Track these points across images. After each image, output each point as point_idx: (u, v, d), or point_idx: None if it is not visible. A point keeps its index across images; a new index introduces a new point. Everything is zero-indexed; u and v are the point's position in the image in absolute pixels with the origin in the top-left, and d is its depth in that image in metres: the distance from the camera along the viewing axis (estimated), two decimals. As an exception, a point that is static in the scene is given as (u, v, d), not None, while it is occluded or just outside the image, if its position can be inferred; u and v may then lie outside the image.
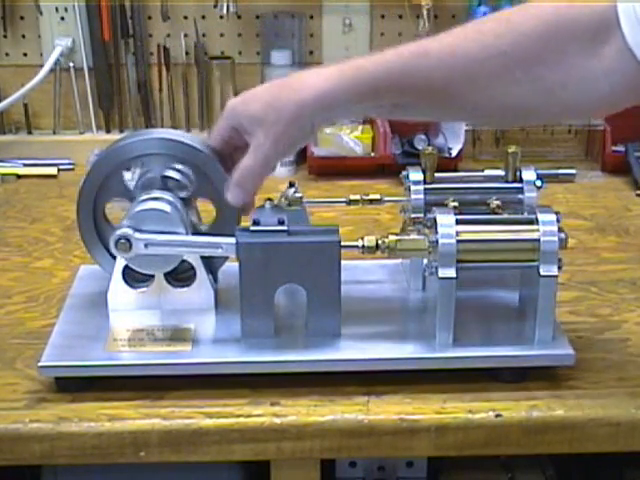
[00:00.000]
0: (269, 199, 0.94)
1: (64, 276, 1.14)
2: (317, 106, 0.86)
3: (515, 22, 0.83)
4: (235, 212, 0.95)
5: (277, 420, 0.86)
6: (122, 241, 0.90)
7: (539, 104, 0.85)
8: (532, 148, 1.58)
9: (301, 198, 0.97)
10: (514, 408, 0.87)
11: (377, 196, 1.02)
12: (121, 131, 1.60)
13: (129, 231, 0.90)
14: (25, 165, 1.53)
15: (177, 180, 0.94)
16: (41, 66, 1.56)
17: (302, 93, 0.86)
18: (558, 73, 0.82)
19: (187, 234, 0.92)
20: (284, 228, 0.89)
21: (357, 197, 1.01)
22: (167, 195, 0.94)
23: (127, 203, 0.95)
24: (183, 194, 0.95)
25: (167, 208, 0.92)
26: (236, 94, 1.55)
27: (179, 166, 0.94)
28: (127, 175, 0.99)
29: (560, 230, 0.88)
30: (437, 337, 0.90)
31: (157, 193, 0.94)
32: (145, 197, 0.93)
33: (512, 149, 0.99)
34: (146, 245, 0.91)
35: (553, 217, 0.88)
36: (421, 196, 0.98)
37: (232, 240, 0.89)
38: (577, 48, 0.81)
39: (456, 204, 0.93)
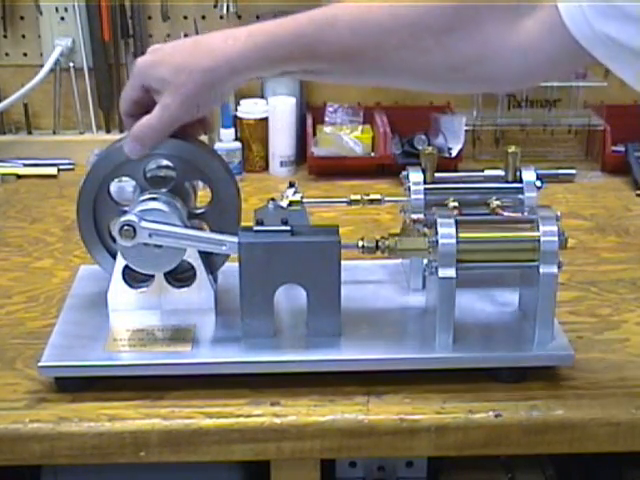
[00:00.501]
0: (272, 199, 0.94)
1: (64, 276, 1.14)
2: (226, 72, 0.86)
3: None
4: (233, 197, 0.95)
5: (277, 420, 0.86)
6: (126, 227, 0.90)
7: (450, 74, 0.84)
8: (532, 148, 1.59)
9: (301, 198, 0.97)
10: (514, 408, 0.87)
11: (377, 196, 1.02)
12: (121, 131, 1.60)
13: (134, 218, 0.90)
14: (25, 165, 1.53)
15: (167, 177, 0.95)
16: (41, 66, 1.56)
17: (212, 59, 0.86)
18: (472, 45, 0.81)
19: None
20: (287, 228, 0.89)
21: (358, 197, 1.01)
22: (164, 194, 0.94)
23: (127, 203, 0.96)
24: (173, 186, 0.95)
25: (167, 208, 0.92)
26: (236, 94, 1.57)
27: (165, 162, 0.95)
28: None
29: (560, 230, 0.88)
30: (437, 337, 0.90)
31: (154, 193, 0.94)
32: (144, 198, 0.93)
33: (512, 149, 0.99)
34: (150, 235, 0.90)
35: (553, 217, 0.88)
36: (421, 196, 0.98)
37: (235, 238, 0.89)
38: (494, 22, 0.80)
39: (456, 204, 0.93)
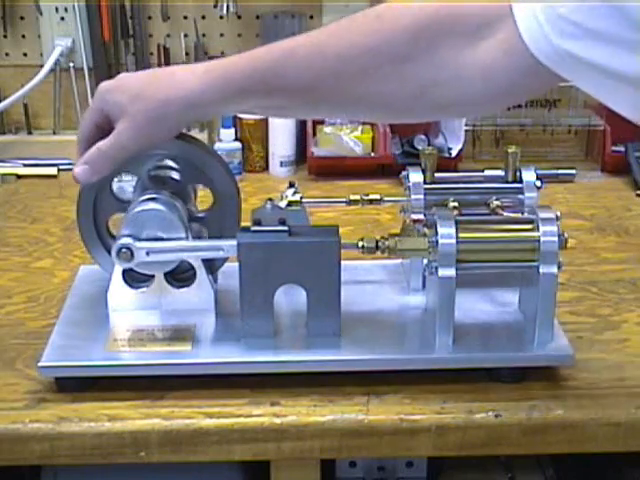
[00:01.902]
0: (270, 199, 0.94)
1: (64, 276, 1.14)
2: (181, 106, 0.85)
3: (387, 19, 0.81)
4: (233, 197, 0.95)
5: (277, 420, 0.86)
6: (124, 250, 0.90)
7: (409, 102, 0.83)
8: (532, 148, 1.59)
9: (301, 198, 0.97)
10: (514, 408, 0.87)
11: (377, 196, 1.02)
12: (121, 131, 1.60)
13: (129, 240, 0.90)
14: (25, 165, 1.53)
15: (170, 177, 0.95)
16: (41, 66, 1.56)
17: (169, 91, 0.85)
18: (429, 71, 0.80)
19: (186, 232, 0.92)
20: (285, 228, 0.89)
21: (357, 197, 1.01)
22: (164, 195, 0.94)
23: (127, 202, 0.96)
24: (175, 187, 0.95)
25: (166, 208, 0.92)
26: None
27: (167, 162, 0.95)
28: (127, 176, 0.99)
29: (560, 230, 0.88)
30: (437, 337, 0.90)
31: (154, 193, 0.94)
32: (144, 198, 0.93)
33: (512, 149, 0.99)
34: (148, 253, 0.91)
35: (553, 217, 0.88)
36: (421, 196, 0.98)
37: (233, 242, 0.89)
38: (451, 45, 0.78)
39: (456, 204, 0.93)
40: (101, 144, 0.88)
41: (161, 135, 0.88)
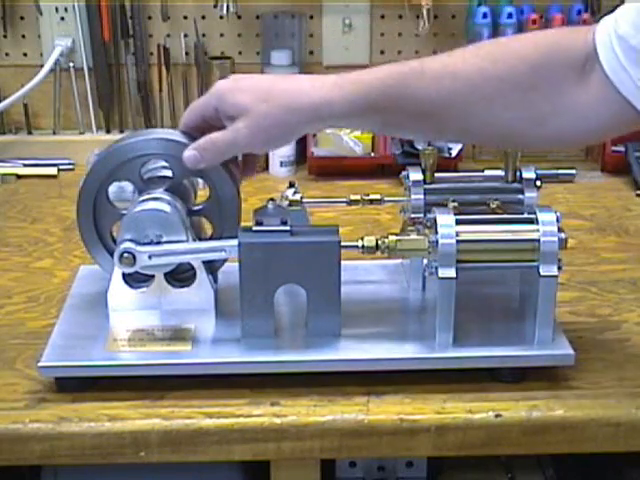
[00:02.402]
0: (272, 199, 0.94)
1: (64, 276, 1.14)
2: (307, 116, 0.86)
3: (512, 47, 0.85)
4: (234, 197, 0.95)
5: (277, 420, 0.86)
6: (126, 255, 0.90)
7: (529, 131, 0.85)
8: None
9: (301, 198, 0.97)
10: (514, 408, 0.87)
11: (377, 196, 1.02)
12: (121, 131, 1.61)
13: (131, 245, 0.90)
14: (25, 165, 1.53)
15: (164, 177, 0.95)
16: (41, 66, 1.56)
17: (296, 100, 0.86)
18: (551, 101, 0.83)
19: (186, 231, 0.92)
20: (286, 228, 0.89)
21: (357, 197, 1.01)
22: (165, 195, 0.94)
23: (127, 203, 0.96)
24: (171, 185, 0.96)
25: (167, 208, 0.92)
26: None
27: (161, 162, 0.95)
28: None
29: (560, 230, 0.88)
30: (437, 337, 0.90)
31: (151, 194, 0.94)
32: (142, 198, 0.93)
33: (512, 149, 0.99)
34: (150, 257, 0.91)
35: (553, 217, 0.88)
36: (421, 196, 0.98)
37: (234, 242, 0.89)
38: (569, 77, 0.82)
39: (456, 204, 0.93)
40: (215, 137, 0.89)
41: (278, 141, 0.89)
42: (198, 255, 0.93)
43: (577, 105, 0.82)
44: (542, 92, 0.83)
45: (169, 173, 0.95)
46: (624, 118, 0.81)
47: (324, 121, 0.87)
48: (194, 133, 0.92)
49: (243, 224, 0.94)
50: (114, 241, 0.96)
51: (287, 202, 0.97)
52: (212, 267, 0.97)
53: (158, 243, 0.92)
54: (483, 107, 0.84)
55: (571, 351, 0.90)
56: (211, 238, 0.98)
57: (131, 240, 0.91)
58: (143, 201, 0.93)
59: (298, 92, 0.86)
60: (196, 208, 0.98)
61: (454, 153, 1.48)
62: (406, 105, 0.85)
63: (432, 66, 0.85)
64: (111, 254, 0.97)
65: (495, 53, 0.85)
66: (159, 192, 0.94)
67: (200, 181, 0.99)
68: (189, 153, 0.90)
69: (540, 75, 0.82)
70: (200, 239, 0.97)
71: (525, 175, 0.99)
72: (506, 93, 0.83)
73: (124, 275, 0.95)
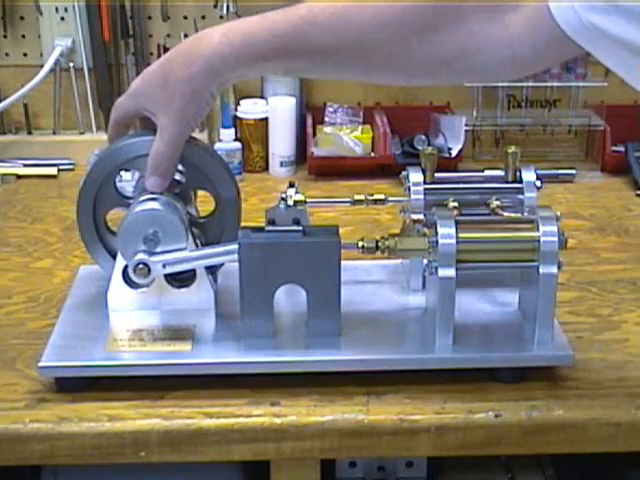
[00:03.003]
0: (283, 199, 0.94)
1: (64, 276, 1.14)
2: (207, 77, 0.86)
3: None
4: (234, 201, 0.96)
5: (277, 420, 0.86)
6: (140, 267, 0.90)
7: (435, 68, 0.85)
8: (532, 148, 1.59)
9: (305, 199, 0.97)
10: (514, 408, 0.87)
11: (381, 196, 1.01)
12: (121, 131, 1.60)
13: (145, 256, 0.90)
14: (25, 165, 1.53)
15: (173, 179, 0.95)
16: (41, 66, 1.56)
17: (191, 68, 0.85)
18: (456, 40, 0.82)
19: (187, 233, 0.92)
20: (299, 228, 0.90)
21: (361, 197, 1.01)
22: (165, 194, 0.94)
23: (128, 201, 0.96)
24: (177, 189, 0.96)
25: (166, 208, 0.92)
26: (236, 94, 1.57)
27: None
28: (127, 176, 0.99)
29: (560, 230, 0.88)
30: (437, 337, 0.90)
31: (155, 194, 0.94)
32: (144, 198, 0.93)
33: (512, 149, 0.99)
34: (164, 265, 0.91)
35: (553, 217, 0.88)
36: (421, 196, 0.98)
37: None
38: (478, 18, 0.81)
39: (456, 204, 0.93)
40: (156, 147, 0.89)
41: (201, 110, 0.89)
42: (210, 260, 0.93)
43: (487, 43, 0.81)
44: (447, 33, 0.81)
45: (178, 177, 0.95)
46: (547, 52, 0.81)
47: (223, 74, 0.86)
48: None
49: (243, 224, 0.94)
50: (112, 232, 0.97)
51: (292, 202, 0.96)
52: (212, 267, 0.97)
53: (158, 243, 0.92)
54: (381, 49, 0.83)
55: (571, 351, 0.90)
56: (208, 242, 0.97)
57: (144, 251, 0.91)
58: (143, 201, 0.93)
59: (191, 60, 0.85)
60: (199, 221, 0.98)
61: (454, 153, 1.49)
62: (298, 52, 0.84)
63: (323, 11, 0.84)
64: (111, 254, 0.97)
65: None
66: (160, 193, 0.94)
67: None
68: (150, 181, 0.91)
69: (444, 18, 0.81)
70: (193, 235, 0.96)
71: (525, 175, 0.99)
72: (404, 36, 0.82)
73: (124, 275, 0.95)
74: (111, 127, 0.94)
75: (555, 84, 1.58)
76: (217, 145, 1.49)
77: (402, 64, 0.84)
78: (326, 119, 1.57)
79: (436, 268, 0.87)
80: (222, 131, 1.50)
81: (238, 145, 1.51)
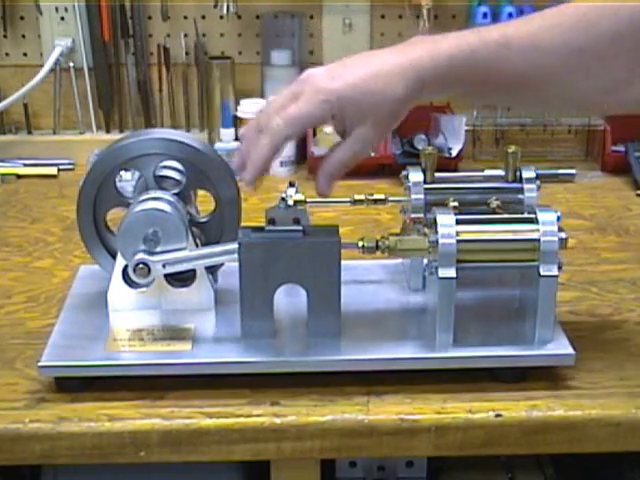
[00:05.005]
0: (283, 199, 0.94)
1: (64, 276, 1.14)
2: (417, 92, 0.86)
3: (592, 19, 0.84)
4: (234, 201, 0.96)
5: (277, 420, 0.86)
6: (140, 266, 0.90)
7: (601, 97, 0.86)
8: (532, 148, 1.58)
9: (305, 199, 0.97)
10: (514, 408, 0.87)
11: (381, 196, 1.01)
12: (121, 131, 1.60)
13: (145, 256, 0.90)
14: (25, 165, 1.53)
15: (172, 178, 0.95)
16: (41, 66, 1.56)
17: (405, 84, 0.85)
18: (626, 69, 0.84)
19: (187, 232, 0.92)
20: (299, 228, 0.89)
21: (361, 197, 1.01)
22: (165, 194, 0.94)
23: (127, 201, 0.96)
24: (177, 189, 0.96)
25: (167, 208, 0.92)
26: (236, 94, 1.57)
27: (172, 163, 0.95)
28: (127, 176, 0.99)
29: (560, 230, 0.88)
30: (437, 337, 0.90)
31: (155, 193, 0.94)
32: (144, 197, 0.93)
33: (512, 149, 0.99)
34: (164, 265, 0.91)
35: (553, 217, 0.88)
36: (421, 196, 0.98)
37: None
38: None
39: (456, 204, 0.93)
40: (340, 154, 0.89)
41: (393, 127, 0.90)
42: (211, 260, 0.93)
43: None
44: (620, 61, 0.83)
45: (178, 176, 0.95)
46: None
47: (424, 94, 0.86)
48: None
49: (243, 224, 0.94)
50: (112, 232, 0.96)
51: (292, 201, 0.96)
52: (212, 267, 0.97)
53: (158, 243, 0.92)
54: (565, 78, 0.85)
55: (571, 351, 0.90)
56: (208, 242, 0.97)
57: (144, 251, 0.91)
58: (144, 200, 0.93)
59: (402, 74, 0.85)
60: (200, 221, 0.98)
61: (454, 153, 1.49)
62: (492, 77, 0.85)
63: (518, 37, 0.85)
64: (111, 254, 0.97)
65: (577, 24, 0.84)
66: (156, 192, 0.94)
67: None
68: (321, 183, 0.90)
69: (621, 46, 0.83)
70: (193, 234, 0.96)
71: (525, 175, 0.99)
72: (587, 64, 0.83)
73: (124, 275, 0.95)
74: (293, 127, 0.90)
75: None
76: (217, 145, 1.49)
77: (577, 93, 0.86)
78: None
79: (436, 268, 0.87)
80: (222, 131, 1.50)
81: (238, 145, 1.50)
